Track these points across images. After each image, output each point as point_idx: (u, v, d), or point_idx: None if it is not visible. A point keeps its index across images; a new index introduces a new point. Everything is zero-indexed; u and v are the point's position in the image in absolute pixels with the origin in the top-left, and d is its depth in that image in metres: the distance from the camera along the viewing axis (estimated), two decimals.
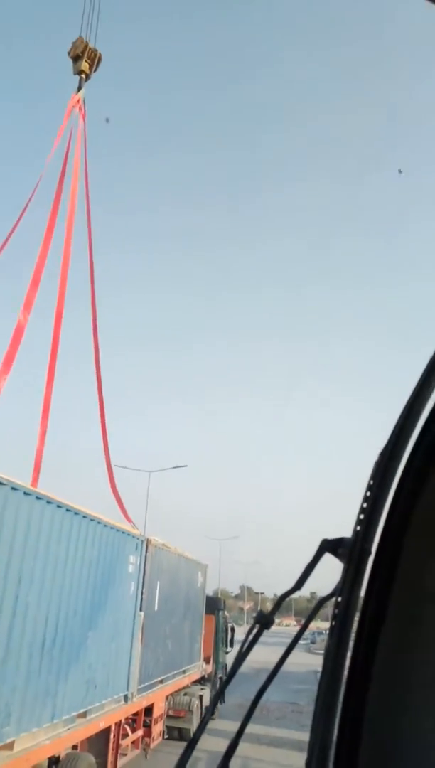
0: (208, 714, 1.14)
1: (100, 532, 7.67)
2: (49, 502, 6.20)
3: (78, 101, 10.88)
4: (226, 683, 1.22)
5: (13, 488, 5.48)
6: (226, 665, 15.96)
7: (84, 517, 7.12)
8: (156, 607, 10.37)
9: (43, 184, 10.19)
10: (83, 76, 11.03)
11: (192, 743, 0.99)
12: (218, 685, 14.80)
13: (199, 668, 14.01)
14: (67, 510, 6.65)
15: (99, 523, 7.63)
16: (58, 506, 6.42)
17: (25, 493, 5.73)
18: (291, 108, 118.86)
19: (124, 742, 9.00)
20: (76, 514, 6.89)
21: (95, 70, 11.19)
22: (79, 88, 11.01)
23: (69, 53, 11.02)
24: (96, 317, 11.00)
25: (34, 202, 9.90)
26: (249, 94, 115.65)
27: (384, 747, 0.74)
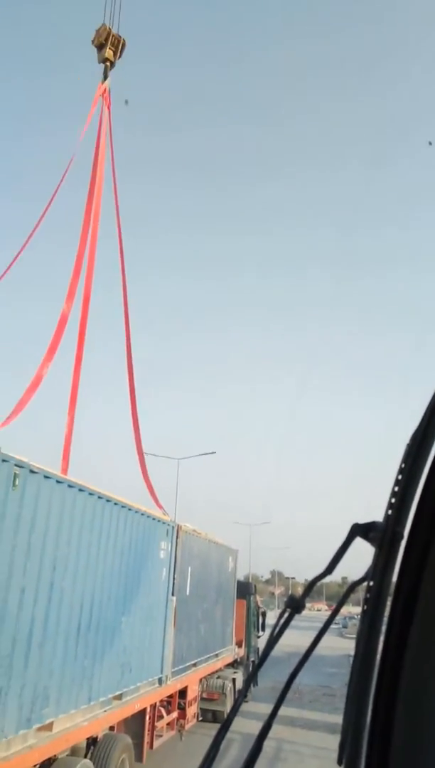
0: (241, 697, 1.16)
1: (131, 518, 7.77)
2: (81, 490, 6.30)
3: (105, 90, 10.86)
4: (257, 667, 1.23)
5: (46, 476, 5.57)
6: (257, 649, 16.09)
7: (115, 504, 7.22)
8: (188, 592, 10.49)
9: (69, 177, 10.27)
10: (108, 64, 10.99)
11: (225, 725, 1.00)
12: (251, 669, 14.95)
13: (232, 652, 14.16)
14: (99, 497, 6.75)
15: (130, 509, 7.73)
16: (90, 494, 6.51)
17: (58, 482, 5.83)
18: None
19: (160, 724, 9.18)
20: (107, 501, 6.98)
21: (120, 57, 11.12)
22: (105, 77, 10.98)
23: (93, 41, 10.96)
24: (127, 301, 10.99)
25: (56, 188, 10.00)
26: None
27: (417, 731, 0.74)
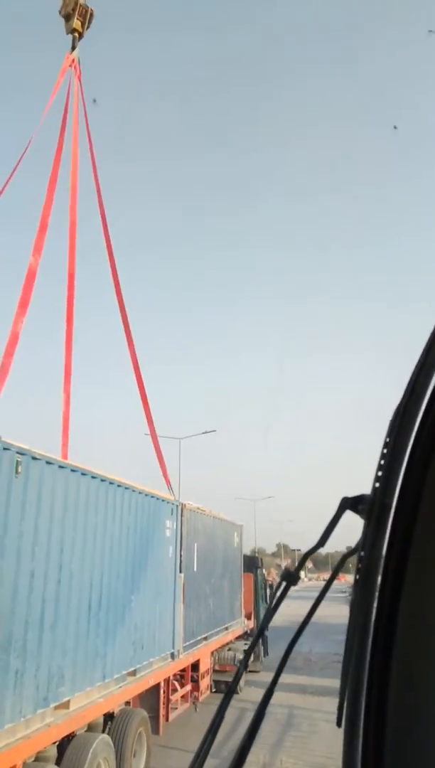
0: (243, 666, 1.22)
1: (135, 499, 7.83)
2: (83, 474, 6.33)
3: (73, 60, 10.62)
4: (256, 638, 1.29)
5: (48, 462, 5.60)
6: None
7: (118, 486, 7.27)
8: (195, 568, 10.63)
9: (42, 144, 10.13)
10: (76, 35, 10.72)
11: (229, 692, 1.05)
12: (261, 640, 15.23)
13: (242, 624, 14.41)
14: (102, 480, 6.79)
15: (133, 490, 7.79)
16: (93, 477, 6.55)
17: (60, 467, 5.86)
18: None
19: (174, 697, 9.38)
20: (110, 483, 7.03)
21: (88, 28, 10.84)
22: (73, 48, 10.73)
23: (60, 11, 10.65)
24: (116, 274, 10.88)
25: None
26: None
27: (411, 690, 0.78)
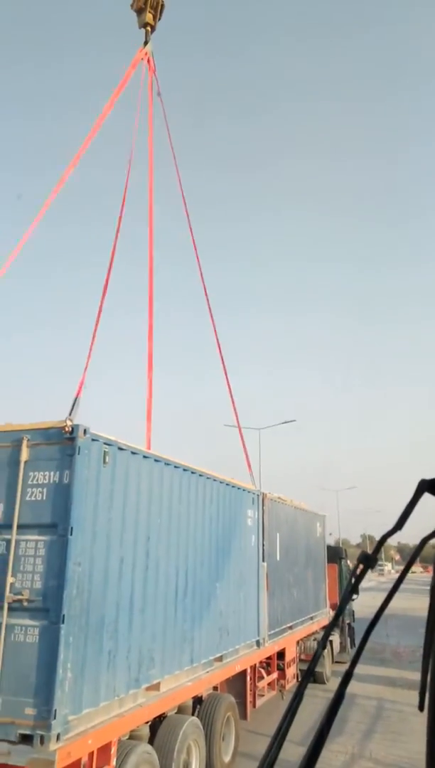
0: (321, 647, 1.22)
1: (216, 489, 7.94)
2: (166, 464, 6.49)
3: (145, 54, 10.64)
4: (336, 617, 1.26)
5: (133, 452, 5.79)
6: (353, 611, 16.15)
7: (200, 475, 7.39)
8: (278, 558, 10.65)
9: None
10: (148, 28, 10.77)
11: (308, 673, 1.06)
12: (347, 630, 15.06)
13: (326, 615, 14.29)
14: (184, 470, 6.93)
15: (215, 480, 7.89)
16: (176, 467, 6.70)
17: (144, 457, 6.04)
18: None
19: (261, 684, 9.47)
20: (192, 473, 7.17)
21: (159, 19, 10.87)
22: (146, 42, 10.75)
23: (132, 6, 10.76)
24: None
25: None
26: None
27: None
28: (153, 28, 10.80)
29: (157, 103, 10.81)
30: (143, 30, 10.75)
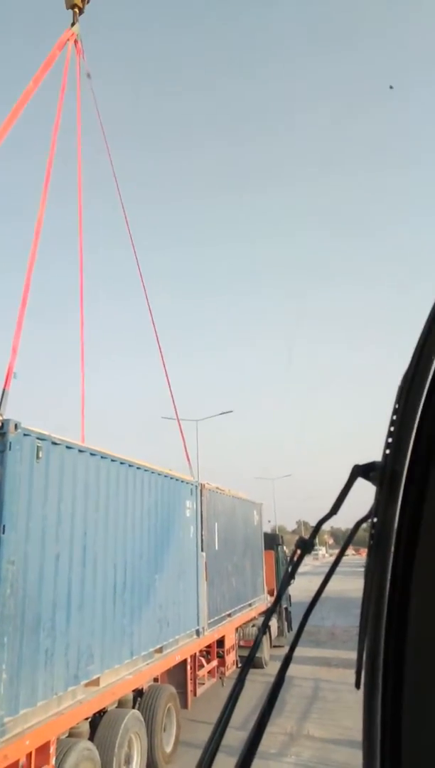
0: (261, 633, 1.27)
1: (154, 480, 7.91)
2: (103, 457, 6.40)
3: (72, 35, 10.42)
4: (274, 604, 1.32)
5: (68, 447, 5.66)
6: (289, 596, 16.56)
7: (138, 468, 7.34)
8: (216, 547, 10.75)
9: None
10: (76, 10, 10.56)
11: (249, 659, 1.11)
12: (284, 615, 15.42)
13: (264, 601, 14.57)
14: (121, 463, 6.86)
15: (152, 472, 7.86)
16: (112, 460, 6.62)
17: (80, 451, 5.92)
18: None
19: (201, 673, 9.57)
20: (129, 466, 7.10)
21: (88, 2, 10.67)
22: (73, 23, 10.54)
23: None
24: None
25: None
26: None
27: (427, 649, 0.79)
28: (81, 10, 10.56)
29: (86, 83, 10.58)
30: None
